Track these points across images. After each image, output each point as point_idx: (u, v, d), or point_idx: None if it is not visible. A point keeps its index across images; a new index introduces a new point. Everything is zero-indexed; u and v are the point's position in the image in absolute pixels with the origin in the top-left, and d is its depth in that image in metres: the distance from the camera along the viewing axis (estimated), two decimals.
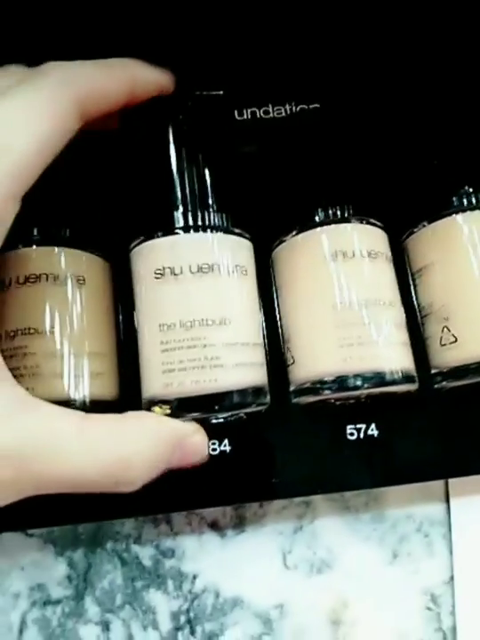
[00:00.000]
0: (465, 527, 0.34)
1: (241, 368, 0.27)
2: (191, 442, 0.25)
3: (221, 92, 0.36)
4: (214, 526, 0.34)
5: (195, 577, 0.33)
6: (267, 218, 0.33)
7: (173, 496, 0.30)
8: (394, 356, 0.29)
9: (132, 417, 0.25)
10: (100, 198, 0.32)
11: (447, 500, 0.34)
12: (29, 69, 0.25)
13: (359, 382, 0.28)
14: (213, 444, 0.30)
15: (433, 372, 0.32)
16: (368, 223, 0.31)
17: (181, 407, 0.26)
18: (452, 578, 0.33)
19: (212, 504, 0.32)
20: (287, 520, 0.34)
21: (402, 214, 0.34)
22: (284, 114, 0.36)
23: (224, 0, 0.36)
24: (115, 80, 0.26)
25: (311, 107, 0.36)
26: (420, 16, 0.36)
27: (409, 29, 0.36)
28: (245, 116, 0.36)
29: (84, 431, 0.22)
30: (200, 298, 0.27)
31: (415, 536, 0.34)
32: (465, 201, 0.31)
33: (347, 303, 0.29)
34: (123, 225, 0.30)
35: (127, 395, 0.29)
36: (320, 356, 0.29)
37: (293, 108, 0.36)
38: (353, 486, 0.32)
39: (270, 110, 0.36)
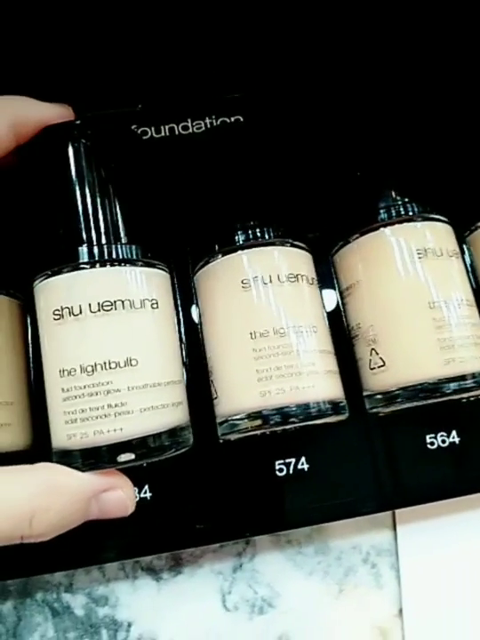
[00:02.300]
0: (413, 555, 0.32)
1: (151, 412, 0.25)
2: (110, 496, 0.24)
3: (140, 106, 0.34)
4: (149, 570, 0.32)
5: (130, 625, 0.31)
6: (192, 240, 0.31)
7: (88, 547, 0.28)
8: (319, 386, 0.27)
9: (41, 469, 0.24)
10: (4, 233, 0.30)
11: (394, 528, 0.33)
12: None
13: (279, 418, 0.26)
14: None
15: (365, 394, 0.30)
16: (292, 245, 0.29)
17: (87, 458, 0.25)
18: (401, 611, 0.31)
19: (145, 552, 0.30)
20: (226, 559, 0.32)
21: (330, 230, 0.32)
22: (203, 128, 0.34)
23: (135, 11, 0.33)
24: None
25: (233, 119, 0.34)
26: (342, 27, 0.34)
27: (333, 39, 0.34)
28: (163, 133, 0.34)
29: None
30: (101, 339, 0.25)
31: (362, 567, 0.32)
32: (393, 212, 0.29)
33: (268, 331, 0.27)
34: (29, 259, 0.28)
35: (42, 442, 0.27)
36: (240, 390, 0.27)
37: (213, 122, 0.34)
38: (290, 525, 0.30)
39: (189, 125, 0.34)
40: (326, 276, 0.32)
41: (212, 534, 0.29)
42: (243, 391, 0.27)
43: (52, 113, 0.27)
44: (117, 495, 0.25)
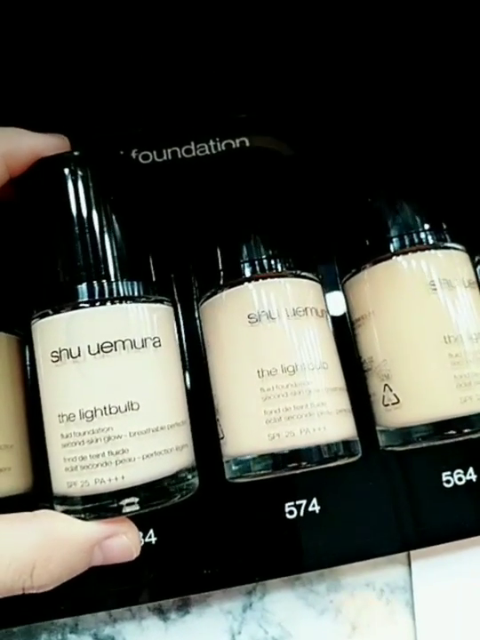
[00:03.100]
0: (428, 591, 0.31)
1: (154, 458, 0.24)
2: (113, 543, 0.24)
3: (140, 130, 0.33)
4: (156, 610, 0.31)
5: None
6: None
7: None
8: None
9: (42, 518, 0.23)
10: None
11: (409, 564, 0.31)
12: None
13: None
14: None
15: (379, 429, 0.29)
16: (300, 277, 0.28)
17: (88, 504, 0.24)
18: None
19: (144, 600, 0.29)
20: (235, 598, 0.31)
21: (341, 257, 0.31)
22: (207, 151, 0.33)
23: (135, 32, 0.32)
24: None
25: (238, 141, 0.33)
26: (352, 47, 0.33)
27: (344, 60, 0.33)
28: (166, 157, 0.32)
29: None
30: (101, 382, 0.24)
31: (376, 605, 0.31)
32: (406, 241, 0.28)
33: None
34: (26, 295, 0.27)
35: (43, 485, 0.27)
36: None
37: (218, 145, 0.33)
38: (301, 568, 0.29)
39: (192, 148, 0.33)
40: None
41: (220, 579, 0.28)
42: (251, 433, 0.26)
43: (46, 143, 0.26)
44: (121, 541, 0.24)
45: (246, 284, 0.27)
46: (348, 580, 0.31)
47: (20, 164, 0.25)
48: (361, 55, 0.33)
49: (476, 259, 0.31)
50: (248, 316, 0.26)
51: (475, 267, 0.30)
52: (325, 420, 0.25)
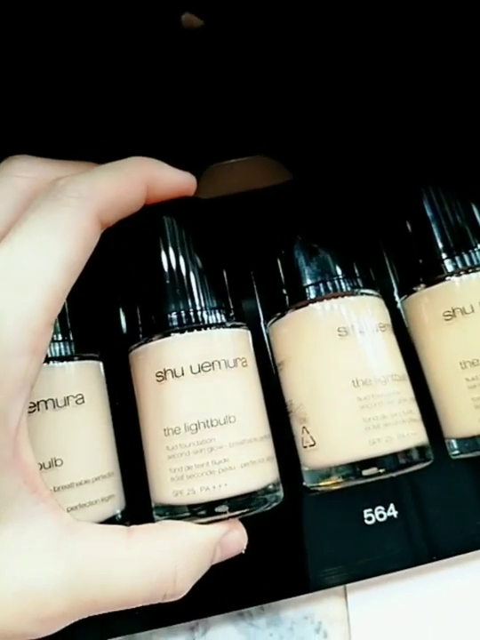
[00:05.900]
0: (365, 623, 0.32)
1: (77, 511, 0.25)
2: (229, 539, 0.26)
3: None
4: None
5: None
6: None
7: None
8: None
9: (173, 527, 0.25)
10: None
11: (345, 596, 0.33)
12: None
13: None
14: None
15: (303, 470, 0.30)
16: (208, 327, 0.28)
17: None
18: None
19: None
20: (179, 633, 0.32)
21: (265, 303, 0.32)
22: None
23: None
24: (132, 185, 0.25)
25: None
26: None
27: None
28: None
29: (130, 549, 0.22)
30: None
31: (314, 637, 0.32)
32: (322, 289, 0.30)
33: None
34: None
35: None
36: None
37: None
38: (240, 605, 0.30)
39: None
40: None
41: (164, 617, 0.29)
42: (160, 487, 0.27)
43: (184, 182, 0.27)
44: (234, 537, 0.26)
45: (153, 341, 0.27)
46: (287, 613, 0.33)
47: (157, 196, 0.26)
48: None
49: (401, 298, 0.32)
50: (156, 374, 0.27)
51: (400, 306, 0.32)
52: (228, 476, 0.26)
